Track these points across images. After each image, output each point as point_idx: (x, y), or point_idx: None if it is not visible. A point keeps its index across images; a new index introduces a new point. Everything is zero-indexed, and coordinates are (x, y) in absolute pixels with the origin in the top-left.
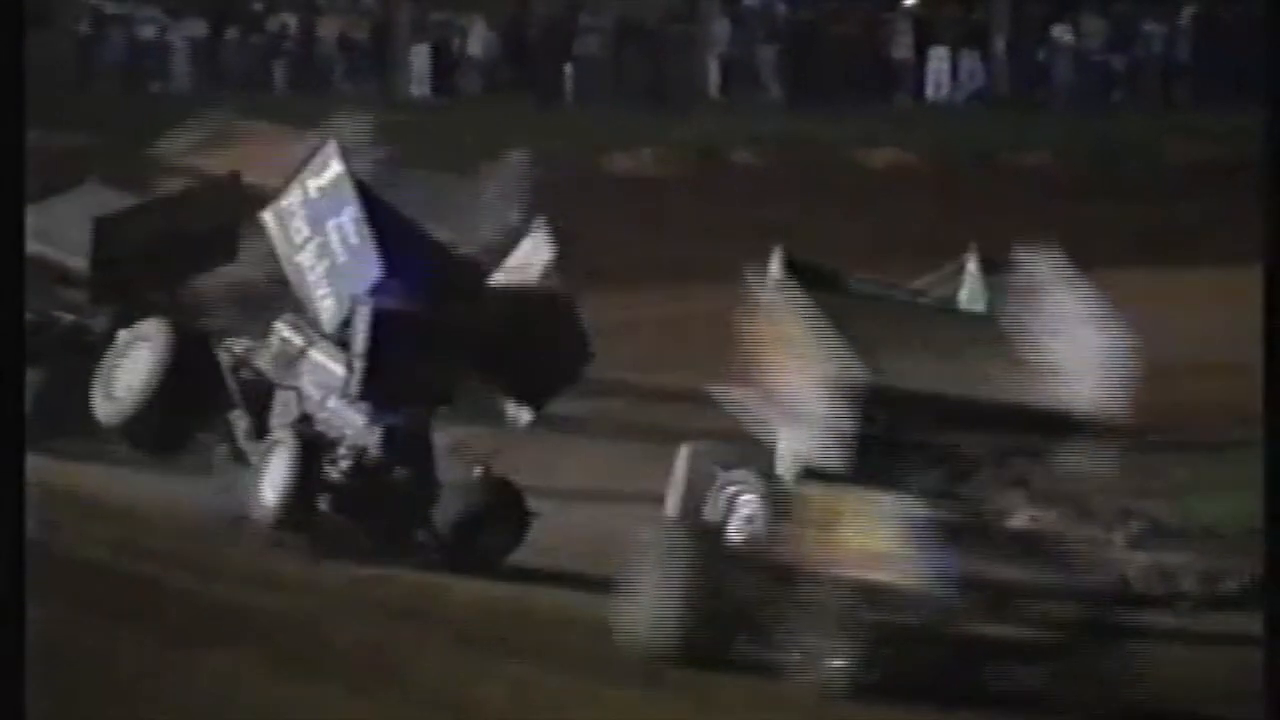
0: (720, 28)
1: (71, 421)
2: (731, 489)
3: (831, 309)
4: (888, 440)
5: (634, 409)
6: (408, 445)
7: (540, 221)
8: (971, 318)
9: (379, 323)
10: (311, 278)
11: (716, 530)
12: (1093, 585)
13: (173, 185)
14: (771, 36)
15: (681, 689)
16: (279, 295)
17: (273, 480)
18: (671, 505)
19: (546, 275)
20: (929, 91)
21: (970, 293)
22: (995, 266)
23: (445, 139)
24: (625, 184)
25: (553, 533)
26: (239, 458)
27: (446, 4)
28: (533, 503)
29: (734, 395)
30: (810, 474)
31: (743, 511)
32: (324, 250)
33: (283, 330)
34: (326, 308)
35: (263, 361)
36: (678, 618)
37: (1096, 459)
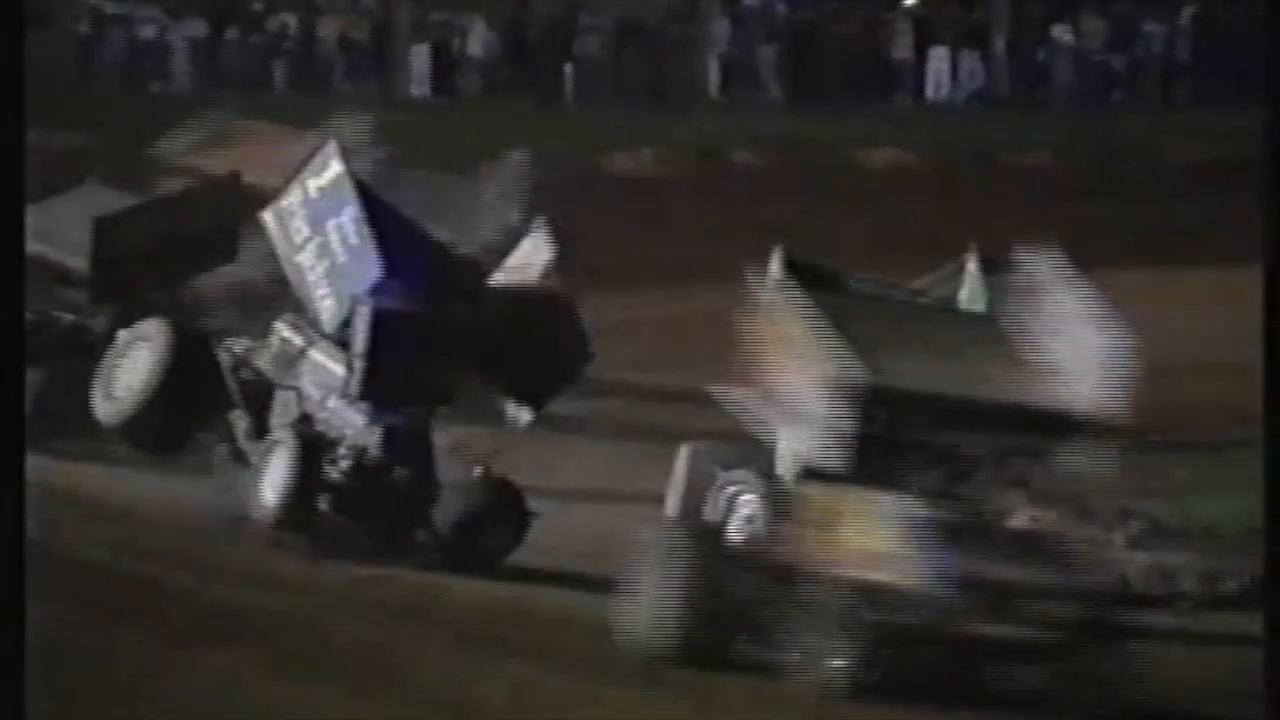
0: (720, 28)
1: (71, 421)
2: (731, 489)
3: (831, 309)
4: (888, 440)
5: (634, 409)
6: (408, 445)
7: (540, 222)
8: (971, 318)
9: (379, 323)
10: (311, 278)
11: (717, 530)
12: (1093, 585)
13: (172, 185)
14: (771, 36)
15: (682, 689)
16: (279, 295)
17: (273, 480)
18: (671, 505)
19: (546, 275)
20: (929, 91)
21: (970, 293)
22: (995, 266)
23: (445, 139)
24: (625, 184)
25: (552, 533)
26: (239, 458)
27: (446, 4)
28: (532, 503)
29: (734, 395)
30: (810, 474)
31: (743, 511)
32: (324, 250)
33: (282, 330)
34: (327, 308)
35: (262, 361)
36: (678, 618)
37: (1097, 459)
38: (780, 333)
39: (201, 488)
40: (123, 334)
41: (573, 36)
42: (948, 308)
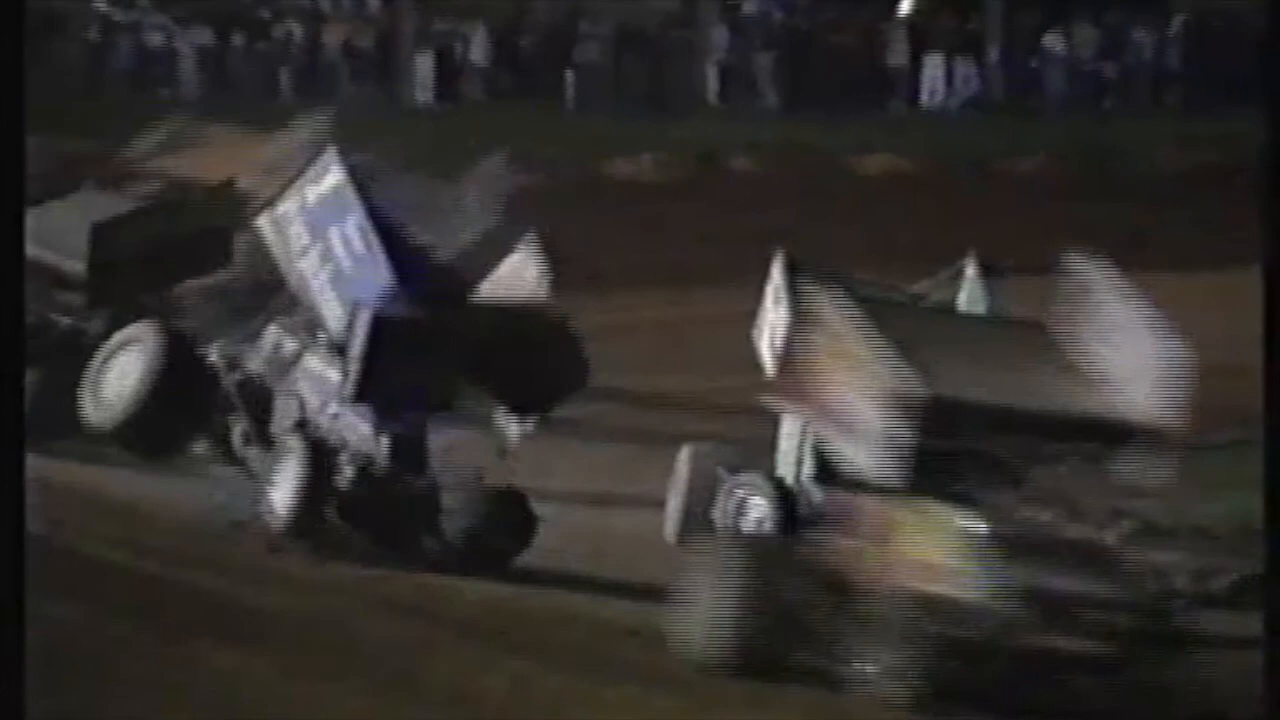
0: (719, 35)
1: (68, 423)
2: (741, 492)
3: (884, 321)
4: (945, 452)
5: (632, 412)
6: (407, 451)
7: (531, 235)
8: (1020, 326)
9: (377, 327)
10: (315, 284)
11: (774, 541)
12: (1152, 596)
13: (140, 189)
14: (769, 44)
15: (741, 700)
16: (274, 299)
17: (284, 488)
18: (673, 506)
19: (537, 290)
20: (924, 98)
21: (970, 296)
22: (993, 270)
23: (448, 144)
24: (625, 189)
25: (552, 535)
26: (234, 461)
27: (449, 12)
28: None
29: (789, 409)
30: (864, 485)
31: (752, 515)
32: (327, 257)
33: (277, 334)
34: (334, 315)
35: (256, 365)
36: (734, 629)
37: (1152, 467)
38: (836, 346)
39: (199, 489)
40: (115, 337)
41: (573, 44)
42: (996, 317)
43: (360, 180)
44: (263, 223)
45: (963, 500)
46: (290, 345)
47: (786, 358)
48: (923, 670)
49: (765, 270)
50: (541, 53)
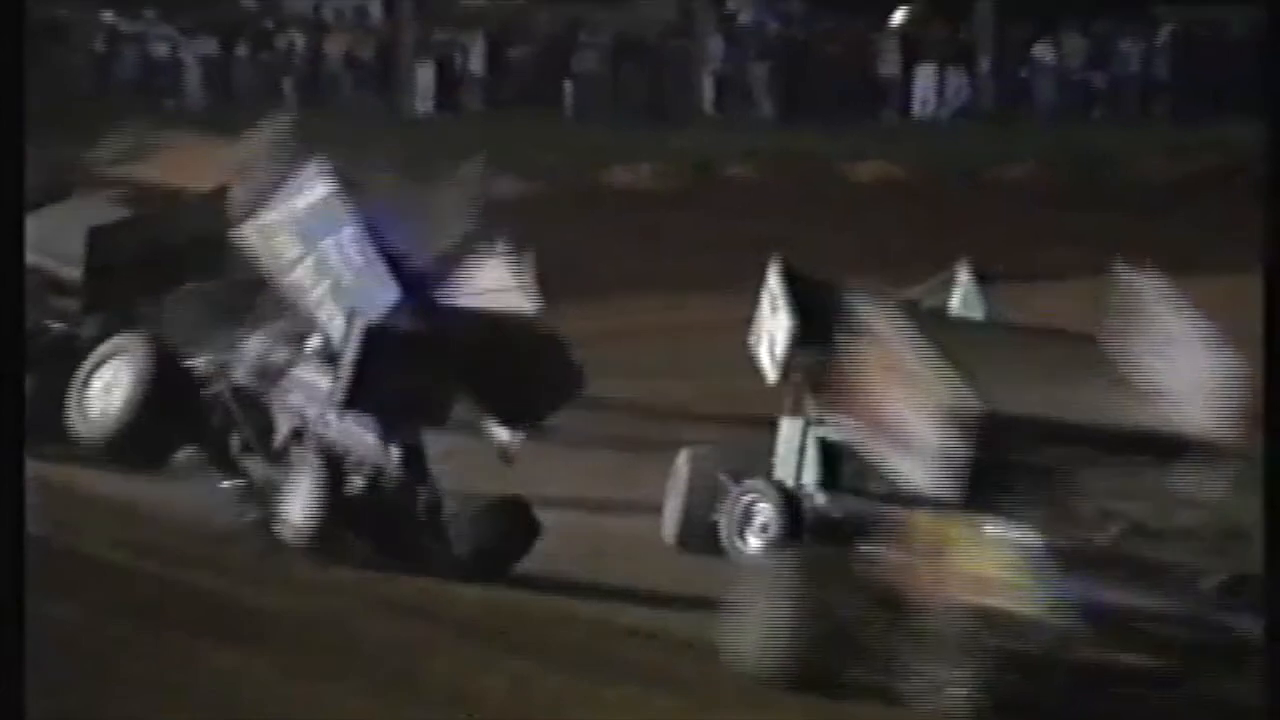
0: (715, 45)
1: (64, 427)
2: (747, 498)
3: (935, 335)
4: (999, 466)
5: (630, 418)
6: (413, 460)
7: (507, 245)
8: (1070, 339)
9: (369, 336)
10: (312, 297)
11: (828, 555)
12: (1210, 610)
13: (110, 195)
14: (764, 54)
15: (798, 714)
16: (261, 308)
17: (301, 500)
18: (672, 508)
19: (521, 299)
20: (916, 108)
21: (964, 301)
22: (986, 276)
23: (448, 154)
24: (623, 197)
25: (551, 540)
26: (232, 469)
27: (449, 23)
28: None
29: (842, 424)
30: (917, 500)
31: (757, 520)
32: (323, 269)
33: (264, 343)
34: (336, 327)
35: (244, 374)
36: (788, 642)
37: (1205, 480)
38: (889, 361)
39: (199, 489)
40: (102, 348)
41: (571, 53)
42: (1045, 329)
43: (351, 191)
44: (249, 232)
45: (1017, 514)
46: (279, 354)
47: (838, 372)
48: (981, 684)
49: (761, 277)
50: (540, 62)
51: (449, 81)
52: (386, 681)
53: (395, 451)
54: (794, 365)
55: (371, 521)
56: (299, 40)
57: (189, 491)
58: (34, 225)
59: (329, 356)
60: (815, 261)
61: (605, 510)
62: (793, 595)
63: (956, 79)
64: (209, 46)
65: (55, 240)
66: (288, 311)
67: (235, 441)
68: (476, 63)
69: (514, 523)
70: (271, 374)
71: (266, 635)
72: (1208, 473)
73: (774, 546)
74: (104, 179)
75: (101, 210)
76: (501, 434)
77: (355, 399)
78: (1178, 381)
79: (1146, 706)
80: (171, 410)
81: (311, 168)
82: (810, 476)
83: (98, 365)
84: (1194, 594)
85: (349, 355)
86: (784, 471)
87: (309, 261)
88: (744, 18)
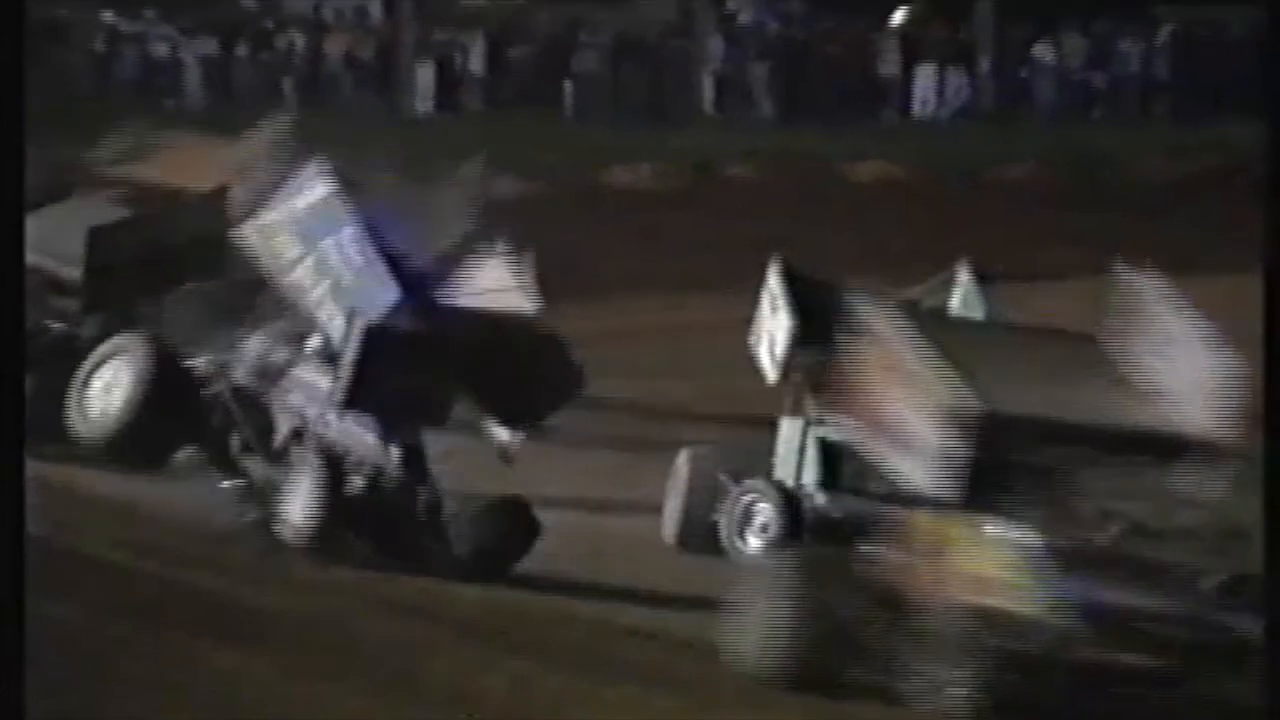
0: (715, 45)
1: (64, 427)
2: (747, 498)
3: (935, 335)
4: (999, 466)
5: (631, 418)
6: (413, 461)
7: (507, 245)
8: (1071, 339)
9: (369, 335)
10: (312, 297)
11: (828, 555)
12: (1212, 610)
13: (109, 195)
14: (764, 54)
15: (799, 714)
16: (261, 308)
17: (302, 500)
18: (672, 507)
19: (521, 299)
20: (916, 108)
21: (964, 301)
22: (986, 276)
23: (448, 154)
24: (623, 197)
25: (551, 540)
26: (232, 469)
27: (449, 23)
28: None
29: (842, 424)
30: (917, 500)
31: (757, 520)
32: (323, 269)
33: (263, 343)
34: (336, 327)
35: (244, 374)
36: (789, 642)
37: (1205, 480)
38: (889, 361)
39: (199, 489)
40: (101, 348)
41: (571, 53)
42: (1045, 329)
43: (350, 191)
44: (248, 232)
45: (1017, 514)
46: (279, 354)
47: (838, 372)
48: (981, 684)
49: (761, 277)
50: (540, 62)
51: (449, 81)
52: (386, 681)
53: (395, 451)
54: (794, 365)
55: (371, 521)
56: (299, 40)
57: (189, 491)
58: (34, 225)
59: (329, 356)
60: (815, 261)
61: (605, 510)
62: (793, 595)
63: (956, 79)
64: (209, 46)
65: (55, 240)
66: (288, 311)
67: (235, 441)
68: (476, 63)
69: (514, 523)
70: (271, 374)
71: (266, 635)
72: (1208, 473)
73: (774, 546)
74: (104, 179)
75: (101, 210)
76: (501, 434)
77: (355, 399)
78: (1178, 381)
79: (1146, 706)
80: (171, 410)
81: (311, 168)
82: (810, 476)
83: (98, 365)
84: (1194, 594)
85: (349, 355)
86: (784, 471)
87: (309, 261)
88: (744, 18)
